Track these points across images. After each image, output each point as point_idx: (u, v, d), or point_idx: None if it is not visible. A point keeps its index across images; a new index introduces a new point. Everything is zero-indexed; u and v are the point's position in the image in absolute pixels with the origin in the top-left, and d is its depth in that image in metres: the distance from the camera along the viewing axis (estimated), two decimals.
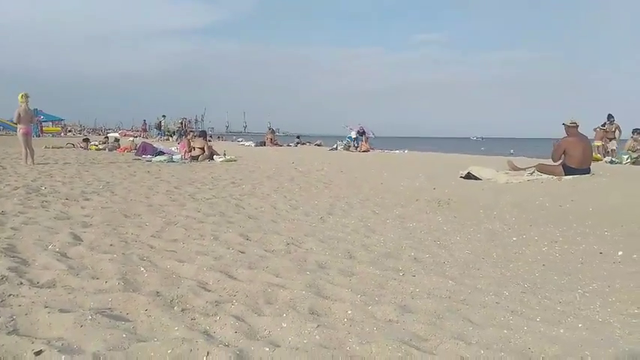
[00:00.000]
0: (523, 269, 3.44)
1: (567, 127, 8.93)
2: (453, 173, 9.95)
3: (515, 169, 9.75)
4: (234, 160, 13.29)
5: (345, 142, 22.72)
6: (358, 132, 22.80)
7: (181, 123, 32.49)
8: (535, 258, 3.77)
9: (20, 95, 10.32)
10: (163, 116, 34.11)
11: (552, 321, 2.40)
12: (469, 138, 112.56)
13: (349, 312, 2.42)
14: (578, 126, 8.92)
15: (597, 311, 2.57)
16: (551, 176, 8.68)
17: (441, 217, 5.44)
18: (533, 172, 9.13)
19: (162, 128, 32.64)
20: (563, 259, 3.74)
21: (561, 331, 2.27)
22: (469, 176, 9.17)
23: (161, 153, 13.40)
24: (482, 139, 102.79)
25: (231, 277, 2.94)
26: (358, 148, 21.32)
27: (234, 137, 42.39)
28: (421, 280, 3.04)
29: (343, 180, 9.33)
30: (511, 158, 12.83)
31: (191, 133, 15.79)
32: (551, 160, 9.61)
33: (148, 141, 19.14)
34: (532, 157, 14.71)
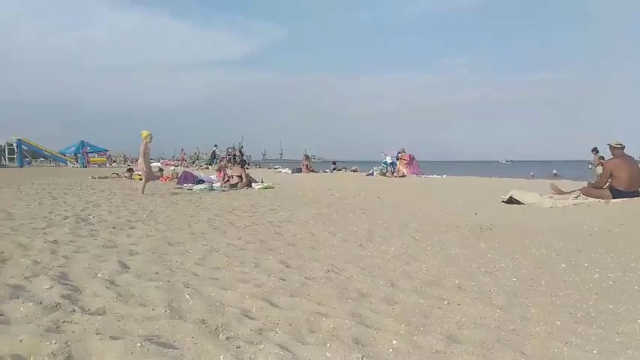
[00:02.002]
0: (574, 297, 3.30)
1: (613, 149, 8.64)
2: (493, 198, 9.74)
3: (560, 192, 9.47)
4: (272, 187, 13.45)
5: (381, 168, 22.66)
6: (409, 156, 22.64)
7: (228, 152, 33.64)
8: (587, 286, 3.61)
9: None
10: (215, 145, 35.30)
11: (611, 353, 2.28)
12: (498, 161, 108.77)
13: (394, 342, 2.38)
14: (624, 147, 8.61)
15: None
16: (597, 199, 8.37)
17: (484, 243, 5.31)
18: (579, 195, 8.84)
19: (215, 157, 33.62)
20: (618, 287, 3.56)
21: None
22: (511, 201, 8.96)
23: (202, 181, 13.72)
24: (512, 162, 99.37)
25: (273, 304, 2.95)
26: (394, 174, 21.21)
27: (271, 164, 42.98)
28: (467, 309, 2.96)
29: (381, 206, 9.28)
30: (555, 181, 12.48)
31: (224, 160, 16.12)
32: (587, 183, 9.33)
33: (189, 170, 19.67)
34: (576, 180, 14.24)
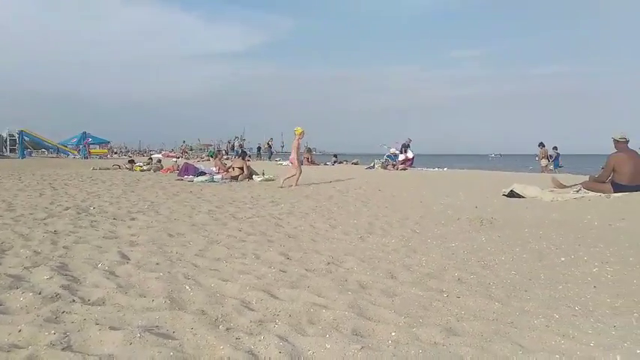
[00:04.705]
0: (573, 291, 3.30)
1: (616, 142, 8.60)
2: (494, 191, 9.74)
3: (561, 186, 9.46)
4: (273, 180, 13.45)
5: (383, 161, 22.63)
6: (404, 144, 22.63)
7: (240, 144, 34.49)
8: (585, 279, 3.62)
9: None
10: (236, 137, 35.99)
11: (608, 346, 2.29)
12: (487, 155, 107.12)
13: (393, 334, 2.39)
14: (628, 141, 8.58)
15: None
16: (599, 194, 8.36)
17: (485, 236, 5.32)
18: (580, 189, 8.83)
19: (234, 148, 34.10)
20: (616, 281, 3.57)
21: (617, 357, 2.16)
22: (512, 194, 8.96)
23: (202, 173, 13.73)
24: (501, 156, 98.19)
25: (273, 296, 2.96)
26: (396, 167, 21.19)
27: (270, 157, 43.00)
28: (466, 302, 2.97)
29: (381, 198, 9.28)
30: (556, 175, 12.47)
31: (220, 153, 16.17)
32: (588, 177, 9.38)
33: (190, 162, 19.68)
34: (579, 174, 14.24)
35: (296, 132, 11.56)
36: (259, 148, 40.29)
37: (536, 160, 22.73)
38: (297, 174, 11.63)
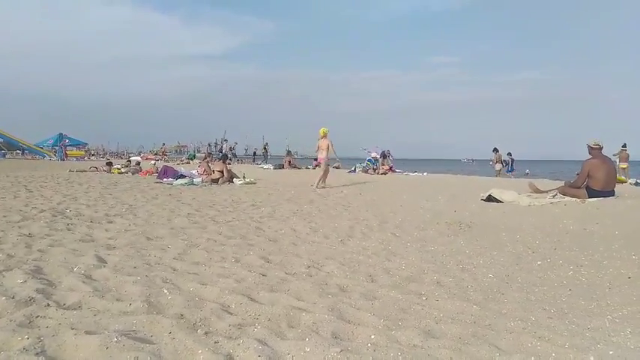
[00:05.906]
0: (549, 294, 3.37)
1: (591, 149, 8.80)
2: (473, 196, 9.87)
3: (538, 191, 9.64)
4: (254, 183, 13.39)
5: (364, 165, 22.75)
6: (383, 154, 23.13)
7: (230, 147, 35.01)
8: (561, 282, 3.69)
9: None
10: (225, 140, 36.37)
11: (582, 348, 2.34)
12: (460, 160, 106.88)
13: (372, 337, 2.40)
14: (602, 147, 8.79)
15: (629, 338, 2.49)
16: (574, 199, 8.54)
17: (463, 240, 5.38)
18: (556, 194, 9.02)
19: (222, 152, 34.15)
20: (590, 284, 3.65)
21: (591, 358, 2.21)
22: (490, 199, 9.09)
23: (182, 176, 13.57)
24: (473, 161, 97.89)
25: (253, 300, 2.95)
26: (377, 171, 21.31)
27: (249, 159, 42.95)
28: (445, 305, 3.00)
29: (362, 202, 9.32)
30: (533, 180, 12.71)
31: (210, 156, 16.05)
32: (564, 183, 9.59)
33: (169, 164, 19.47)
34: (556, 180, 14.52)
35: (326, 132, 12.27)
36: (254, 153, 41.04)
37: (491, 164, 24.18)
38: (323, 173, 12.25)
